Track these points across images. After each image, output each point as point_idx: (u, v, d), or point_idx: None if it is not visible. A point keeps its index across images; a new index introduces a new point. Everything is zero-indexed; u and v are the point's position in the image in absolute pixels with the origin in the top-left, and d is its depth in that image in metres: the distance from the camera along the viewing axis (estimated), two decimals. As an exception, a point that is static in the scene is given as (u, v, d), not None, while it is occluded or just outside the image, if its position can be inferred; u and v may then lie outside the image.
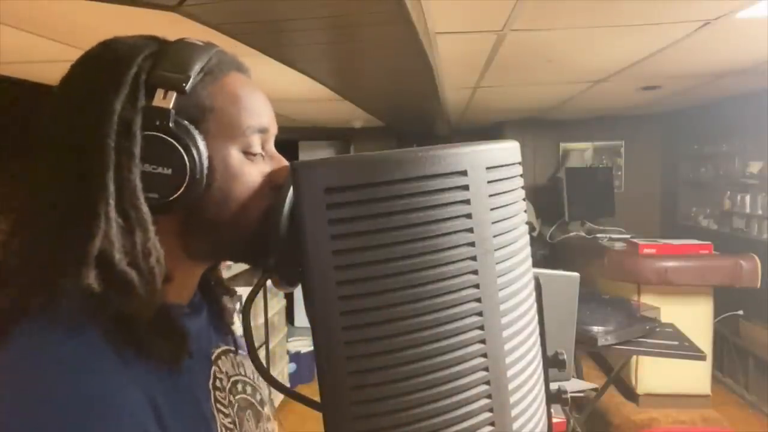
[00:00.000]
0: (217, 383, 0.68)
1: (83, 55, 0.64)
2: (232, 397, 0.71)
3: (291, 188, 0.56)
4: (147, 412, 0.54)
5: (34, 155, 0.61)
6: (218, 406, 0.66)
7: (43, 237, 0.58)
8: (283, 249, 0.57)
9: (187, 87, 0.59)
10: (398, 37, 1.88)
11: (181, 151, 0.58)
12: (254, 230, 0.63)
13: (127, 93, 0.58)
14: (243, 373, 0.76)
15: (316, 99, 3.46)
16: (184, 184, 0.58)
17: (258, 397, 0.77)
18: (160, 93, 0.59)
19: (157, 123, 0.58)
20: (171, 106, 0.58)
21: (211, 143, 0.61)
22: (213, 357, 0.71)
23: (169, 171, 0.58)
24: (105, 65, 0.61)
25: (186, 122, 0.60)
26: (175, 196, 0.59)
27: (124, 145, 0.57)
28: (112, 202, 0.56)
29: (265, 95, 0.69)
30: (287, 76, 2.54)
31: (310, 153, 6.03)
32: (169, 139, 0.58)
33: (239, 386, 0.74)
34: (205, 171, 0.60)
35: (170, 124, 0.58)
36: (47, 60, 2.45)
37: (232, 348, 0.76)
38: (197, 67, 0.61)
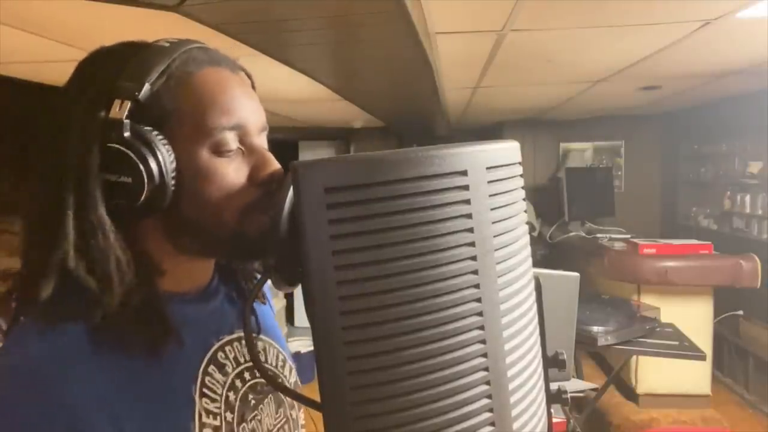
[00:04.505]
0: (210, 369, 0.68)
1: (75, 66, 0.67)
2: (239, 382, 0.71)
3: (291, 188, 0.56)
4: (101, 417, 0.57)
5: (31, 162, 0.65)
6: (204, 390, 0.66)
7: (23, 245, 0.63)
8: (282, 249, 0.57)
9: (142, 94, 0.61)
10: (398, 37, 1.88)
11: (136, 160, 0.60)
12: (236, 229, 0.64)
13: (88, 106, 0.62)
14: (264, 360, 0.77)
15: (316, 99, 3.46)
16: (144, 192, 0.60)
17: (279, 383, 0.78)
18: (116, 104, 0.61)
19: (113, 134, 0.60)
20: (124, 116, 0.60)
21: (177, 146, 0.63)
22: (221, 342, 0.71)
23: (129, 179, 0.60)
24: (77, 78, 0.66)
25: (147, 128, 0.61)
26: (140, 202, 0.61)
27: (83, 158, 0.60)
28: (70, 213, 0.60)
29: (246, 89, 0.69)
30: (287, 76, 2.54)
31: (310, 153, 6.03)
32: (123, 149, 0.60)
33: (256, 371, 0.74)
34: (170, 174, 0.62)
35: (125, 134, 0.60)
36: (47, 60, 2.45)
37: (254, 333, 0.77)
38: (156, 73, 0.62)
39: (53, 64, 2.51)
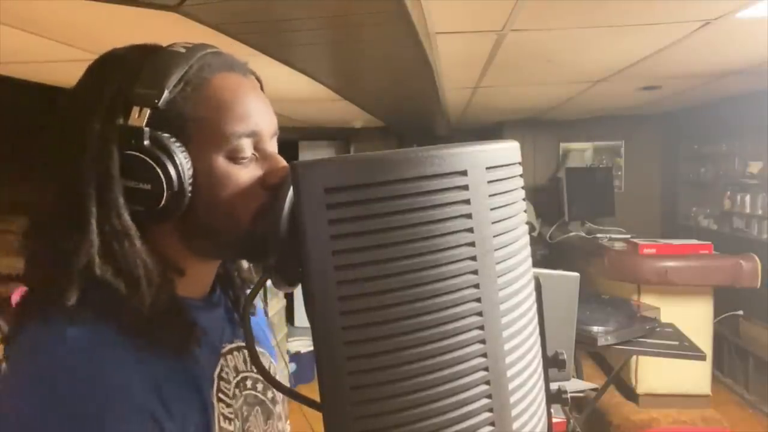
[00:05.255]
0: (223, 374, 0.70)
1: (86, 69, 0.67)
2: (238, 391, 0.72)
3: (291, 188, 0.56)
4: (153, 398, 0.58)
5: (41, 165, 0.65)
6: (220, 395, 0.67)
7: (42, 249, 0.63)
8: (283, 249, 0.58)
9: (161, 102, 0.61)
10: (398, 37, 1.88)
11: (156, 168, 0.60)
12: (249, 230, 0.65)
13: (106, 113, 0.62)
14: (255, 370, 0.77)
15: (316, 99, 3.45)
16: (163, 198, 0.61)
17: (270, 395, 0.78)
18: (135, 111, 0.61)
19: (133, 142, 0.61)
20: (144, 123, 0.61)
21: (194, 152, 0.63)
22: (223, 351, 0.72)
23: (149, 186, 0.61)
24: (89, 82, 0.65)
25: (166, 135, 0.62)
26: (159, 208, 0.61)
27: (104, 165, 0.60)
28: (93, 221, 0.60)
29: (259, 94, 0.69)
30: (287, 76, 2.54)
31: (310, 153, 6.03)
32: (144, 157, 0.60)
33: (248, 383, 0.75)
34: (187, 181, 0.62)
35: (145, 142, 0.61)
36: (47, 60, 2.45)
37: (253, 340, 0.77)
38: (174, 79, 0.62)
39: (53, 64, 2.51)
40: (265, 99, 0.70)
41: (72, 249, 0.60)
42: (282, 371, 0.85)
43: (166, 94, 0.61)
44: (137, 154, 0.60)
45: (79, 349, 0.58)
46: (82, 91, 0.66)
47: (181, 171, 0.61)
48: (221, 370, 0.69)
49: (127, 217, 0.61)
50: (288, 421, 0.82)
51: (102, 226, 0.60)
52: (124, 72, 0.63)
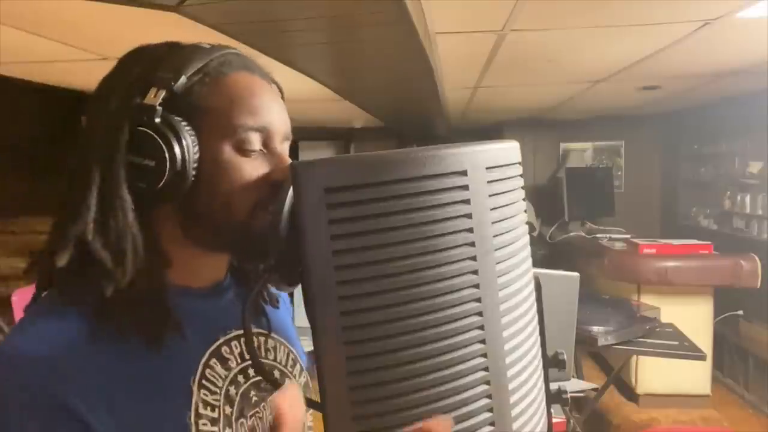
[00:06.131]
0: (212, 362, 0.69)
1: (117, 61, 0.71)
2: (242, 378, 0.72)
3: (291, 188, 0.56)
4: (94, 394, 0.59)
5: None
6: (203, 381, 0.68)
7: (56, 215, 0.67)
8: (282, 249, 0.58)
9: (177, 86, 0.64)
10: (398, 37, 1.88)
11: (162, 145, 0.63)
12: (244, 223, 0.66)
13: (125, 92, 0.65)
14: (272, 358, 0.78)
15: (316, 99, 3.45)
16: (165, 176, 0.63)
17: (286, 383, 0.77)
18: (152, 92, 0.64)
19: (145, 119, 0.63)
20: (158, 103, 0.63)
21: (203, 139, 0.65)
22: (228, 337, 0.72)
23: (153, 163, 0.63)
24: (117, 69, 0.69)
25: (177, 118, 0.64)
26: (159, 186, 0.63)
27: (113, 138, 0.63)
28: (95, 189, 0.63)
29: (274, 97, 0.72)
30: (287, 76, 2.54)
31: (310, 153, 6.03)
32: (152, 133, 0.63)
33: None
34: (191, 164, 0.64)
35: (155, 120, 0.63)
36: (47, 60, 2.45)
37: (264, 331, 0.78)
38: (193, 68, 0.66)
39: (53, 64, 2.52)
40: (280, 102, 0.72)
41: (71, 214, 0.63)
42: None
43: (183, 79, 0.64)
44: (146, 130, 0.63)
45: (24, 368, 0.59)
46: (108, 77, 0.69)
47: (185, 152, 0.63)
48: (211, 357, 0.69)
49: (124, 189, 0.63)
50: (310, 410, 0.82)
51: (101, 196, 0.63)
52: (148, 59, 0.67)
